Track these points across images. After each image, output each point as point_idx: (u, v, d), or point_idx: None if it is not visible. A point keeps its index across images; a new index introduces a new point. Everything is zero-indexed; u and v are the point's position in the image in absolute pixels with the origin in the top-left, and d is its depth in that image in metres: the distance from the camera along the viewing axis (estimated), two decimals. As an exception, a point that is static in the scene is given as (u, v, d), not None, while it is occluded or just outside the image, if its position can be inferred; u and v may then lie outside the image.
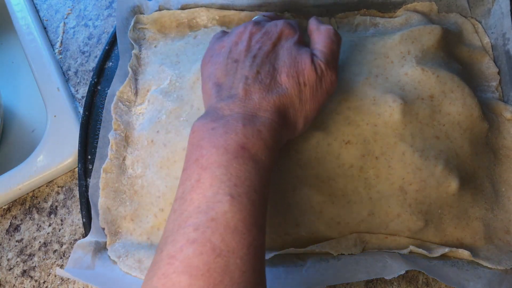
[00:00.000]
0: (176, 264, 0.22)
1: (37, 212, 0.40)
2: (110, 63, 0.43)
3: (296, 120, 0.30)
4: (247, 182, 0.25)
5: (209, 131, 0.27)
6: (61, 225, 0.39)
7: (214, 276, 0.22)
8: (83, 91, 0.44)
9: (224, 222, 0.23)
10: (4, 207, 0.40)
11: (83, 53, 0.46)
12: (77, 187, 0.38)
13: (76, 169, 0.40)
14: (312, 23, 0.34)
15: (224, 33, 0.35)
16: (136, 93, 0.39)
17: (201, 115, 0.29)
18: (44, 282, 0.37)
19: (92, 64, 0.45)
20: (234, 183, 0.24)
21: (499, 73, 0.39)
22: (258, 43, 0.31)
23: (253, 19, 0.35)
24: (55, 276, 0.37)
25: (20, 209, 0.40)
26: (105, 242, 0.35)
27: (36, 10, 0.49)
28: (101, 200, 0.36)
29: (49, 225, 0.39)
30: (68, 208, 0.39)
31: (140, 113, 0.39)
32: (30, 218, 0.39)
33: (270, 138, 0.27)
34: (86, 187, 0.37)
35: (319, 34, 0.32)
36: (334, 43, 0.31)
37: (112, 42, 0.44)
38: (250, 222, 0.24)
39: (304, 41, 0.32)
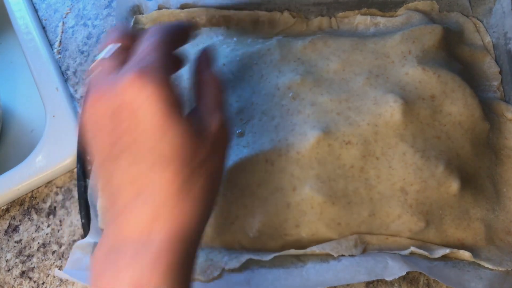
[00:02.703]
0: None
1: (36, 212, 0.39)
2: (109, 63, 0.43)
3: (202, 213, 0.24)
4: None
5: (102, 270, 0.22)
6: (60, 226, 0.39)
7: None
8: (82, 91, 0.43)
9: None
10: (2, 207, 0.40)
11: (82, 52, 0.46)
12: (76, 188, 0.38)
13: (75, 169, 0.39)
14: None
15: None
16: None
17: (101, 237, 0.24)
18: (43, 283, 0.37)
19: (91, 64, 0.45)
20: None
21: (500, 72, 0.39)
22: (115, 133, 0.23)
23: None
24: (54, 277, 0.37)
25: (18, 210, 0.40)
26: (104, 243, 0.35)
27: (35, 10, 0.49)
28: (100, 201, 0.35)
29: (48, 226, 0.39)
30: (67, 209, 0.39)
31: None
32: (28, 218, 0.39)
33: (173, 262, 0.22)
34: (85, 187, 0.37)
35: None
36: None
37: (111, 41, 0.43)
38: None
39: None
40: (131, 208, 0.22)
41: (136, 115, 0.22)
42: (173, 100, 0.22)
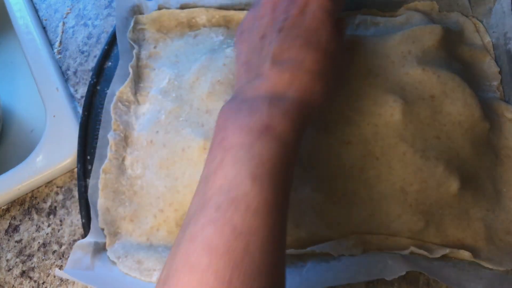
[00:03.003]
0: (197, 243, 0.22)
1: (36, 212, 0.39)
2: (110, 63, 0.43)
3: (325, 98, 0.28)
4: (270, 163, 0.24)
5: (234, 113, 0.26)
6: (60, 225, 0.39)
7: (234, 256, 0.22)
8: (82, 91, 0.44)
9: (245, 204, 0.23)
10: (3, 207, 0.40)
11: (82, 52, 0.46)
12: (76, 188, 0.38)
13: (75, 169, 0.39)
14: None
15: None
16: (135, 94, 0.39)
17: (230, 97, 0.28)
18: (43, 283, 0.37)
19: (92, 64, 0.45)
20: (256, 164, 0.24)
21: (500, 72, 0.39)
22: (284, 13, 0.29)
23: None
24: (54, 276, 0.37)
25: (19, 210, 0.40)
26: (105, 243, 0.35)
27: (35, 10, 0.49)
28: (101, 201, 0.35)
29: (48, 226, 0.39)
30: (67, 209, 0.39)
31: (142, 113, 0.39)
32: (29, 218, 0.39)
33: (298, 118, 0.26)
34: (86, 187, 0.37)
35: None
36: None
37: (112, 42, 0.43)
38: (271, 204, 0.23)
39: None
40: (271, 73, 0.27)
41: (307, 7, 0.29)
42: (337, 13, 0.30)
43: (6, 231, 0.39)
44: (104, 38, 0.46)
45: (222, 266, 0.21)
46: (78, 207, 0.37)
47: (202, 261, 0.22)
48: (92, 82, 0.41)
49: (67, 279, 0.36)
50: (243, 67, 0.30)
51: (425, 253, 0.32)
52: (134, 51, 0.40)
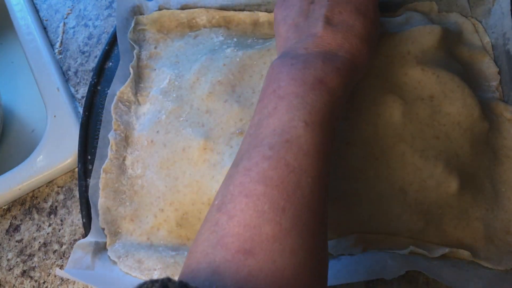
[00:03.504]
0: (252, 175, 0.24)
1: (37, 212, 0.40)
2: (110, 63, 0.43)
3: (368, 61, 0.31)
4: (321, 113, 0.26)
5: (288, 66, 0.28)
6: (61, 225, 0.39)
7: (287, 188, 0.23)
8: (83, 91, 0.44)
9: (297, 145, 0.24)
10: (4, 207, 0.40)
11: (83, 53, 0.46)
12: (77, 187, 0.38)
13: (76, 169, 0.40)
14: None
15: None
16: (136, 94, 0.39)
17: (280, 55, 0.30)
18: (44, 283, 0.37)
19: (92, 64, 0.45)
20: (309, 111, 0.25)
21: (499, 72, 0.39)
22: None
23: None
24: (55, 276, 0.37)
25: (20, 209, 0.40)
26: (105, 243, 0.35)
27: (36, 10, 0.49)
28: (101, 201, 0.36)
29: (49, 225, 0.39)
30: (68, 209, 0.39)
31: (142, 113, 0.39)
32: (30, 218, 0.39)
33: (347, 76, 0.28)
34: (86, 187, 0.37)
35: None
36: None
37: (112, 42, 0.44)
38: (321, 149, 0.25)
39: None
40: (325, 33, 0.29)
41: None
42: None
43: (7, 231, 0.39)
44: (104, 39, 0.46)
45: (276, 195, 0.23)
46: (79, 207, 0.37)
47: (257, 189, 0.23)
48: (92, 82, 0.42)
49: (68, 279, 0.36)
50: (291, 29, 0.31)
51: (424, 252, 0.32)
52: (135, 52, 0.41)
